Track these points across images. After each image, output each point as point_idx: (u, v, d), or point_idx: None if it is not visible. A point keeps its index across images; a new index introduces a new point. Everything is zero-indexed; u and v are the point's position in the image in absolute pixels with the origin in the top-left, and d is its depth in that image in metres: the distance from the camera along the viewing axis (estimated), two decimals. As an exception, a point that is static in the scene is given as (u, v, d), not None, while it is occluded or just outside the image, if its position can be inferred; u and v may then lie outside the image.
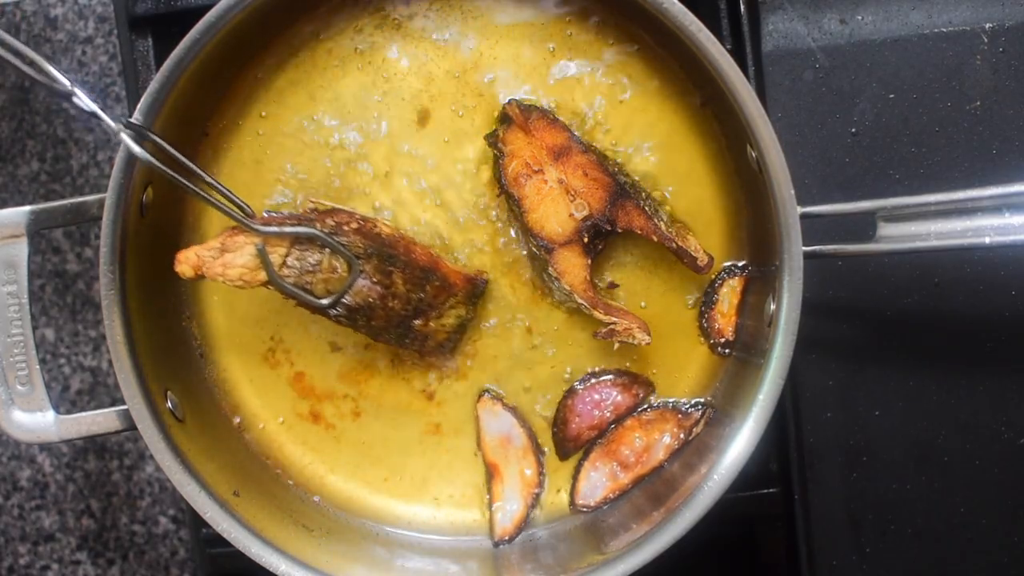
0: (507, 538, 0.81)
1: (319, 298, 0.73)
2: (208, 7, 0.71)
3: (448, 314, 0.77)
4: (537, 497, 0.82)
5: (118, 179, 0.71)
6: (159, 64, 0.74)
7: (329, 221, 0.73)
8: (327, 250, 0.72)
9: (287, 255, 0.72)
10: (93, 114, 0.67)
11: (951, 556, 0.85)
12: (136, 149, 0.68)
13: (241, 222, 0.71)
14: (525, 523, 0.81)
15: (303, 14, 0.78)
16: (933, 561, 0.85)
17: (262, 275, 0.72)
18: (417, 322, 0.76)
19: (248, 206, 0.73)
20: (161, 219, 0.77)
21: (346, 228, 0.73)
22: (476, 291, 0.78)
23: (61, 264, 0.98)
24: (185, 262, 0.72)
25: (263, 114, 0.80)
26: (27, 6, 0.97)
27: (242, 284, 0.72)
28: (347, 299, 0.73)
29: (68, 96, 0.66)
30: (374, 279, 0.73)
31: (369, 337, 0.77)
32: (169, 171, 0.69)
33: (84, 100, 0.67)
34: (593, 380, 0.81)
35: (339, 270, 0.73)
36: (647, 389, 0.81)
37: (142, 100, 0.71)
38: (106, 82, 0.97)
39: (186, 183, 0.70)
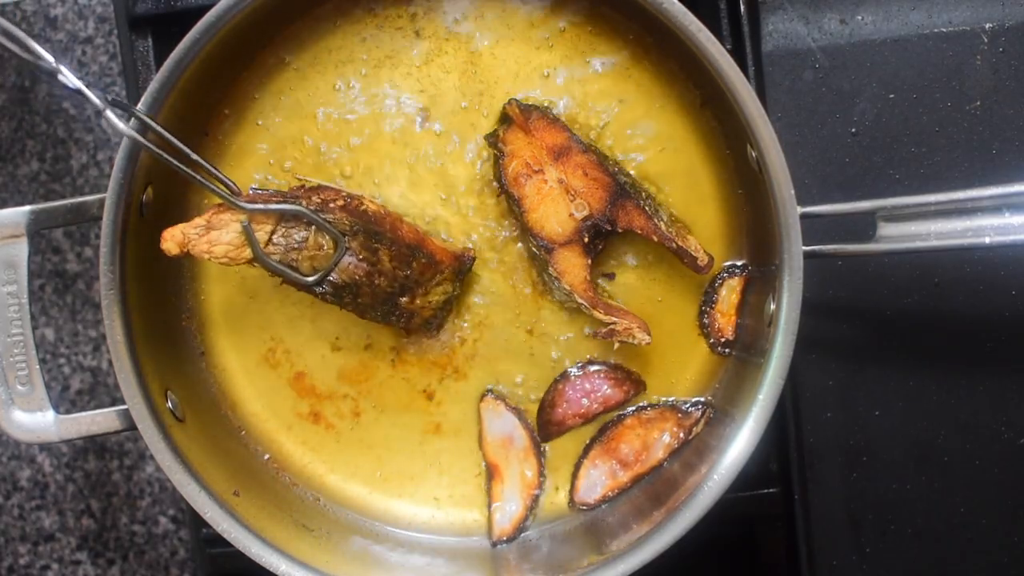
0: (505, 539, 0.81)
1: (305, 275, 0.72)
2: (208, 7, 0.71)
3: (434, 291, 0.77)
4: (536, 499, 0.82)
5: (118, 179, 0.71)
6: (159, 64, 0.74)
7: (315, 198, 0.73)
8: (313, 227, 0.72)
9: (273, 232, 0.72)
10: (78, 91, 0.66)
11: (951, 556, 0.85)
12: (121, 126, 0.67)
13: (226, 199, 0.71)
14: (523, 524, 0.81)
15: (303, 14, 0.78)
16: (933, 561, 0.85)
17: (247, 252, 0.72)
18: (403, 299, 0.75)
19: (234, 183, 0.73)
20: (161, 219, 0.77)
21: (332, 205, 0.73)
22: (463, 268, 0.78)
23: (61, 264, 0.98)
24: (171, 239, 0.71)
25: (263, 112, 0.80)
26: (27, 6, 0.97)
27: (227, 261, 0.72)
28: (333, 276, 0.73)
29: (53, 74, 0.66)
30: (360, 256, 0.73)
31: (356, 315, 0.77)
32: (155, 148, 0.69)
33: (69, 77, 0.66)
34: (589, 368, 0.81)
35: (325, 247, 0.72)
36: (638, 388, 0.81)
37: (142, 100, 0.71)
38: (106, 82, 0.97)
39: (172, 160, 0.69)
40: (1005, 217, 0.69)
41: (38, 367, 0.74)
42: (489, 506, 0.82)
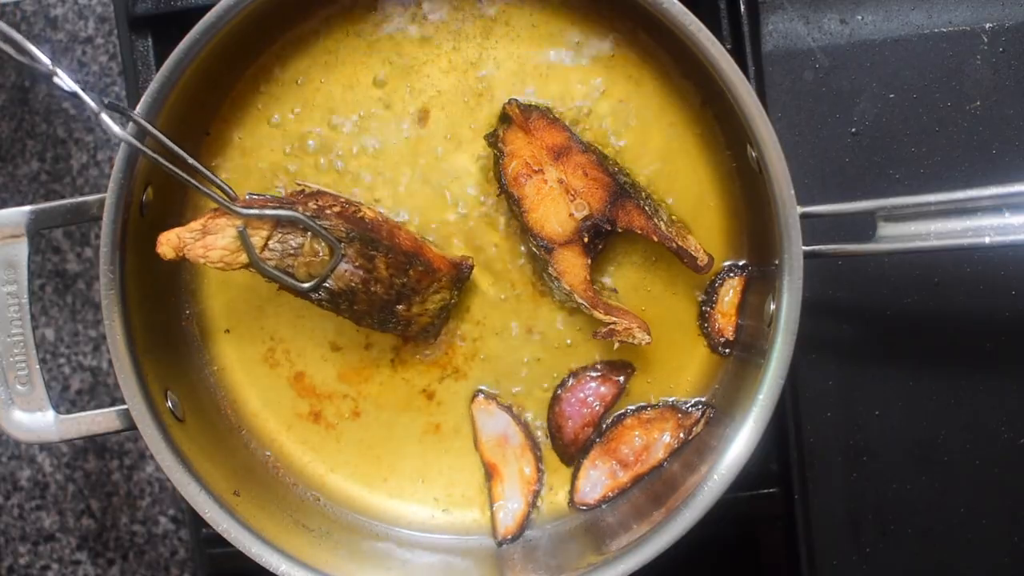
0: (510, 537, 0.81)
1: (301, 282, 0.72)
2: (208, 7, 0.71)
3: (431, 299, 0.76)
4: (537, 494, 0.82)
5: (118, 179, 0.71)
6: (159, 64, 0.74)
7: (311, 204, 0.73)
8: (309, 234, 0.72)
9: (269, 238, 0.72)
10: (74, 94, 0.66)
11: (951, 556, 0.85)
12: (116, 130, 0.67)
13: (222, 204, 0.71)
14: (527, 521, 0.81)
15: (303, 14, 0.78)
16: (933, 561, 0.85)
17: (243, 257, 0.71)
18: (400, 307, 0.75)
19: (231, 188, 0.73)
20: (161, 219, 0.77)
21: (328, 212, 0.73)
22: (461, 276, 0.78)
23: (61, 264, 0.98)
24: (166, 243, 0.71)
25: (264, 113, 0.80)
26: (27, 6, 0.97)
27: (223, 266, 0.71)
28: (329, 283, 0.72)
29: (49, 76, 0.66)
30: (356, 263, 0.72)
31: (352, 321, 0.77)
32: (150, 152, 0.68)
33: (65, 80, 0.66)
34: (571, 380, 0.81)
35: (321, 254, 0.72)
36: (627, 371, 0.80)
37: (142, 100, 0.71)
38: (106, 82, 0.97)
39: (167, 164, 0.69)
40: (1005, 217, 0.69)
41: (38, 367, 0.74)
42: (491, 506, 0.82)
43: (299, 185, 0.78)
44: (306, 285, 0.72)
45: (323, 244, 0.72)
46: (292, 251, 0.72)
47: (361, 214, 0.74)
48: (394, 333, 0.78)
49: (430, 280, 0.75)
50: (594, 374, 0.80)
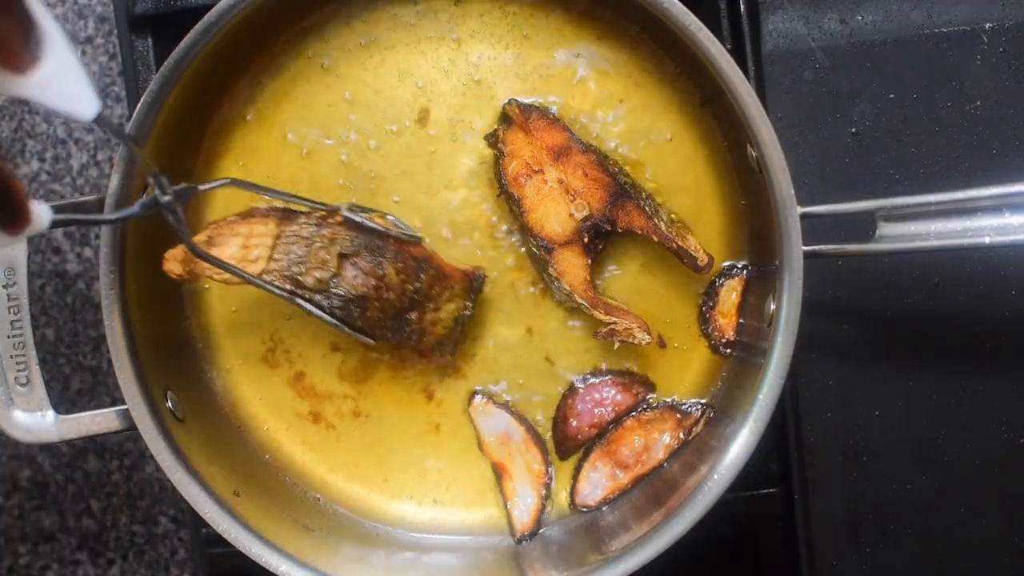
0: (528, 533, 0.81)
1: (310, 290, 0.72)
2: (208, 7, 0.71)
3: (445, 307, 0.76)
4: (549, 487, 0.82)
5: (118, 179, 0.71)
6: (159, 64, 0.74)
7: (315, 212, 0.73)
8: (313, 243, 0.72)
9: (273, 248, 0.72)
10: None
11: (951, 556, 0.85)
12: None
13: (188, 245, 0.66)
14: (543, 515, 0.81)
15: (304, 14, 0.78)
16: (933, 561, 0.85)
17: (250, 268, 0.71)
18: (413, 314, 0.75)
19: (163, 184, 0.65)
20: (161, 219, 0.77)
21: (331, 220, 0.73)
22: (474, 286, 0.77)
23: (61, 264, 0.98)
24: (172, 259, 0.72)
25: (264, 113, 0.80)
26: (27, 6, 0.97)
27: (228, 277, 0.71)
28: (340, 290, 0.72)
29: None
30: (365, 270, 0.73)
31: (367, 331, 0.76)
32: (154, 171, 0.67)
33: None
34: (594, 379, 0.81)
35: (329, 263, 0.72)
36: (647, 389, 0.81)
37: (142, 100, 0.71)
38: (106, 82, 0.97)
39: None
40: (1005, 217, 0.69)
41: (38, 367, 0.74)
42: (505, 504, 0.81)
43: (304, 204, 0.77)
44: (318, 297, 0.71)
45: (331, 252, 0.72)
46: (299, 260, 0.72)
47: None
48: (409, 346, 0.78)
49: (442, 287, 0.75)
50: (618, 379, 0.80)
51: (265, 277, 0.71)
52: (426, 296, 0.75)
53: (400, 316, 0.75)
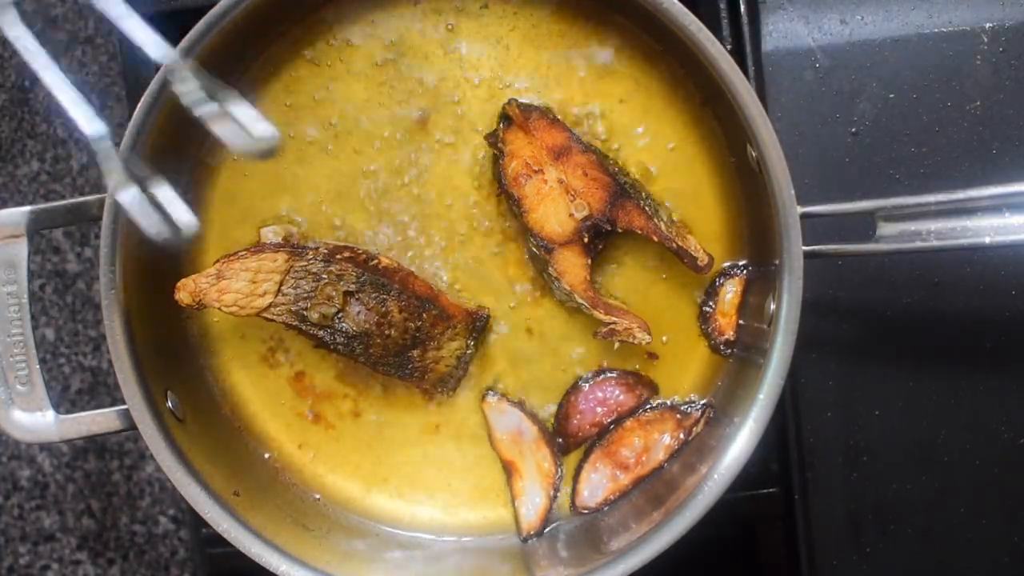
0: (534, 532, 0.81)
1: (314, 325, 0.75)
2: (208, 7, 0.71)
3: (446, 346, 0.78)
4: (558, 487, 0.82)
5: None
6: (159, 64, 0.74)
7: (322, 249, 0.75)
8: (321, 279, 0.74)
9: (281, 283, 0.74)
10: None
11: (951, 556, 0.85)
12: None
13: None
14: (550, 515, 0.81)
15: (304, 14, 0.78)
16: (933, 561, 0.85)
17: (257, 302, 0.74)
18: (415, 352, 0.77)
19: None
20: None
21: (338, 256, 0.75)
22: (476, 326, 0.79)
23: (61, 264, 0.98)
24: (183, 289, 0.74)
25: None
26: (27, 6, 0.97)
27: (236, 310, 0.74)
28: (343, 326, 0.75)
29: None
30: (368, 307, 0.74)
31: (369, 367, 0.78)
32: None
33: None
34: (599, 377, 0.81)
35: (335, 299, 0.74)
36: (650, 391, 0.81)
37: (142, 100, 0.71)
38: (106, 82, 0.97)
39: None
40: (1005, 217, 0.69)
41: (38, 367, 0.74)
42: (513, 503, 0.81)
43: (313, 246, 0.78)
44: (321, 332, 0.75)
45: (337, 289, 0.74)
46: (306, 295, 0.74)
47: (375, 261, 0.76)
48: (411, 382, 0.79)
49: (444, 326, 0.77)
50: (623, 380, 0.80)
51: (272, 311, 0.74)
52: (428, 335, 0.77)
53: (402, 353, 0.77)
